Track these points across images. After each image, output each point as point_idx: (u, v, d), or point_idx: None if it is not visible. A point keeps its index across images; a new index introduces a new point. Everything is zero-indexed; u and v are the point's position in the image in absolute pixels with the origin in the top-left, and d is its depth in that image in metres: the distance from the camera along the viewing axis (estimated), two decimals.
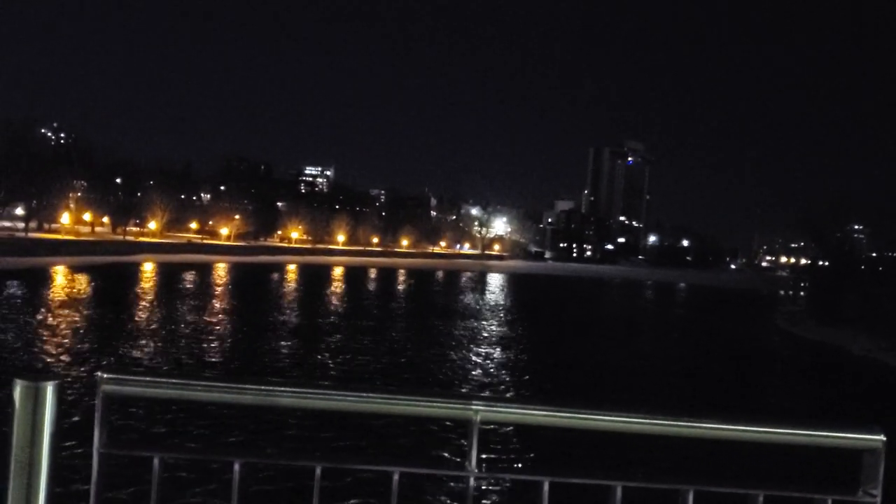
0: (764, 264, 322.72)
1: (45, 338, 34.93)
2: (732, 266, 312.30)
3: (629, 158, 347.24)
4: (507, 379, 33.84)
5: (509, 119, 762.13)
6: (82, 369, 27.80)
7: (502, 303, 78.35)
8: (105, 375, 1.95)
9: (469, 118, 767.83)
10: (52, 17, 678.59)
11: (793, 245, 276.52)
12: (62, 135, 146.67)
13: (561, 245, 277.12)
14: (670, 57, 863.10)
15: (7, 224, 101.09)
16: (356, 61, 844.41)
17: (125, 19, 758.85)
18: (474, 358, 38.62)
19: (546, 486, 2.06)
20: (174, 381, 2.02)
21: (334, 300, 68.07)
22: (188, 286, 69.92)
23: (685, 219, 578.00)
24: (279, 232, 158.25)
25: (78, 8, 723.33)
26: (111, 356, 31.83)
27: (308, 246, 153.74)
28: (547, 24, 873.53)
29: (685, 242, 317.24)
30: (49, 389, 1.87)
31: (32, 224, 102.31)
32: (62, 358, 30.42)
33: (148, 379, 2.01)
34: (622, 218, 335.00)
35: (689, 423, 2.08)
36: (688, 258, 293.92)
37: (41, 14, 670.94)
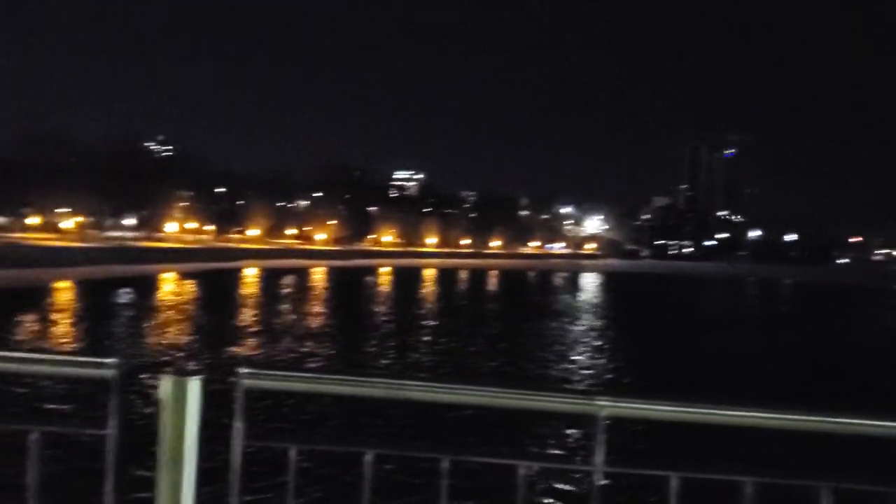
0: (876, 258, 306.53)
1: (175, 340, 35.92)
2: (840, 260, 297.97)
3: (728, 150, 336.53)
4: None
5: (604, 115, 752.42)
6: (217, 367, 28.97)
7: (597, 306, 77.66)
8: (245, 371, 2.10)
9: (563, 116, 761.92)
10: (155, 35, 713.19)
11: None
12: (168, 147, 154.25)
13: (657, 242, 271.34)
14: (764, 41, 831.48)
15: (118, 234, 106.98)
16: (449, 66, 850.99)
17: (223, 37, 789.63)
18: (570, 366, 38.53)
19: (674, 482, 2.11)
20: (307, 375, 2.23)
21: (430, 301, 69.27)
22: (296, 290, 72.30)
23: (790, 212, 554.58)
24: (372, 235, 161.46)
25: (176, 27, 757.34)
26: (242, 355, 32.56)
27: (400, 249, 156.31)
28: (642, 21, 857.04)
29: (790, 237, 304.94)
30: (195, 385, 2.05)
31: (142, 233, 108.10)
32: (200, 358, 31.06)
33: (283, 373, 2.16)
34: (722, 213, 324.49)
35: (804, 418, 2.13)
36: (791, 253, 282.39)
37: (142, 32, 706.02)
